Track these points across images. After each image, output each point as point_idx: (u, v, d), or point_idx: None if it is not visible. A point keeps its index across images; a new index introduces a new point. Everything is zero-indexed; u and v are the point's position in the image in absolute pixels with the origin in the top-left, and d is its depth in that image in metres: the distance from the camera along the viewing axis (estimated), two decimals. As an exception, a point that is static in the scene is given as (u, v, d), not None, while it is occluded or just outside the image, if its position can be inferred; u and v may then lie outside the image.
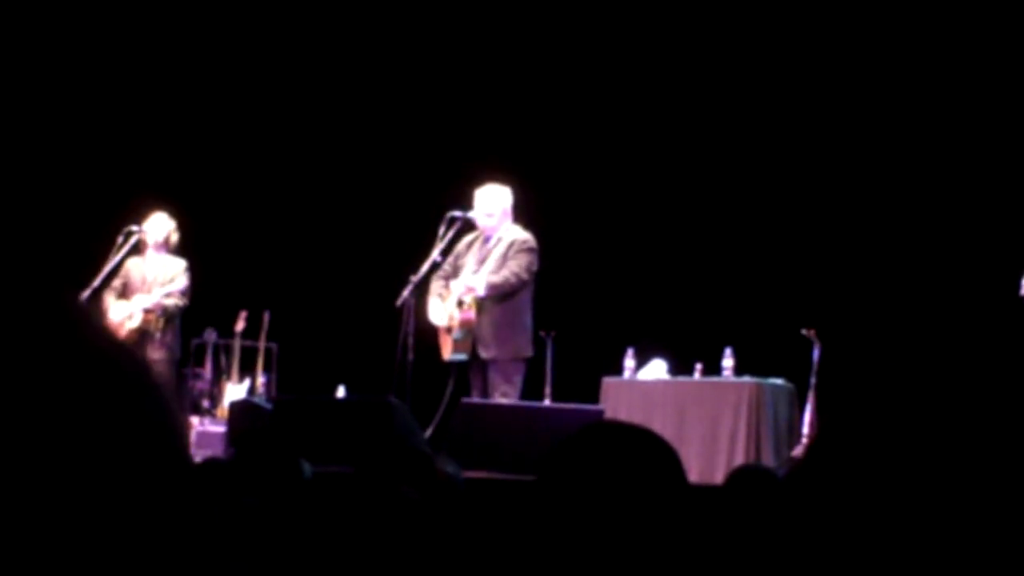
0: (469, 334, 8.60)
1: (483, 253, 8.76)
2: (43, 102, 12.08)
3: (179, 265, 9.75)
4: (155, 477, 0.75)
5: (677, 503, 1.96)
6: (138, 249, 9.80)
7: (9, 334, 0.74)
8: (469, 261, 8.77)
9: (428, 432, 8.35)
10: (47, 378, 0.73)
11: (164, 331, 9.65)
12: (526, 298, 8.76)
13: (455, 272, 8.77)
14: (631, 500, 1.94)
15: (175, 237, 9.84)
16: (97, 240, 9.82)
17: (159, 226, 9.77)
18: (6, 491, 0.70)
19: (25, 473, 0.70)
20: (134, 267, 9.74)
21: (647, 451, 1.99)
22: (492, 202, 8.78)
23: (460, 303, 8.64)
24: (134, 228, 9.75)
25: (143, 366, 0.79)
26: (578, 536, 1.92)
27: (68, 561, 0.71)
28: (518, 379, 8.67)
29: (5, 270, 0.77)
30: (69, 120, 12.22)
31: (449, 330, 8.68)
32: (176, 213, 9.92)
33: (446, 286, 8.75)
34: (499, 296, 8.62)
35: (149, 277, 9.71)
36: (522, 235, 8.77)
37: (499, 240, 8.75)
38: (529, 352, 8.78)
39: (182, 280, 9.66)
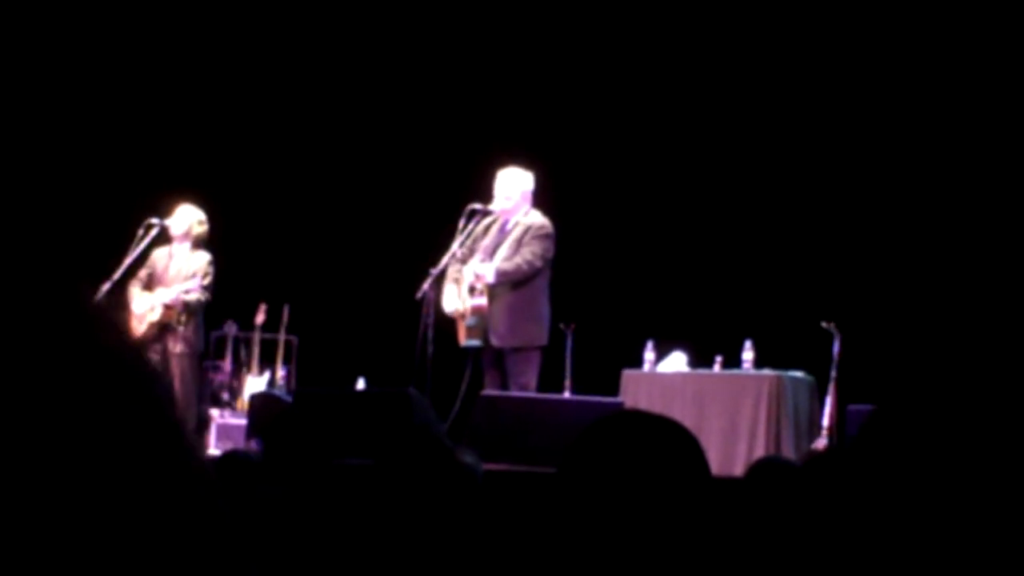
0: (482, 320, 8.57)
1: (499, 238, 8.73)
2: (70, 96, 12.11)
3: (202, 259, 9.76)
4: (161, 471, 0.75)
5: (700, 493, 1.95)
6: (166, 240, 9.82)
7: (20, 327, 0.74)
8: (483, 245, 8.75)
9: (447, 422, 8.35)
10: (54, 373, 0.73)
11: (186, 325, 9.67)
12: (541, 285, 8.70)
13: (472, 255, 8.75)
14: (654, 490, 1.94)
15: (198, 229, 9.83)
16: (124, 232, 9.85)
17: (182, 218, 9.79)
18: (11, 485, 0.70)
19: (29, 467, 0.71)
20: (160, 258, 9.76)
21: (670, 441, 1.99)
22: (510, 184, 8.76)
23: (472, 289, 8.63)
24: (154, 220, 9.77)
25: (147, 365, 0.80)
26: (600, 526, 1.92)
27: (74, 559, 0.71)
28: (533, 368, 8.60)
29: (22, 264, 0.77)
30: (96, 114, 12.25)
31: (463, 316, 8.67)
32: (197, 205, 9.93)
33: (460, 270, 8.73)
34: (512, 283, 8.58)
35: (172, 270, 9.73)
36: (539, 220, 8.72)
37: (516, 224, 8.72)
38: (543, 341, 8.69)
39: (204, 276, 9.66)
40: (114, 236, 9.96)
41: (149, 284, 9.71)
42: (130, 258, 9.66)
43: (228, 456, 4.73)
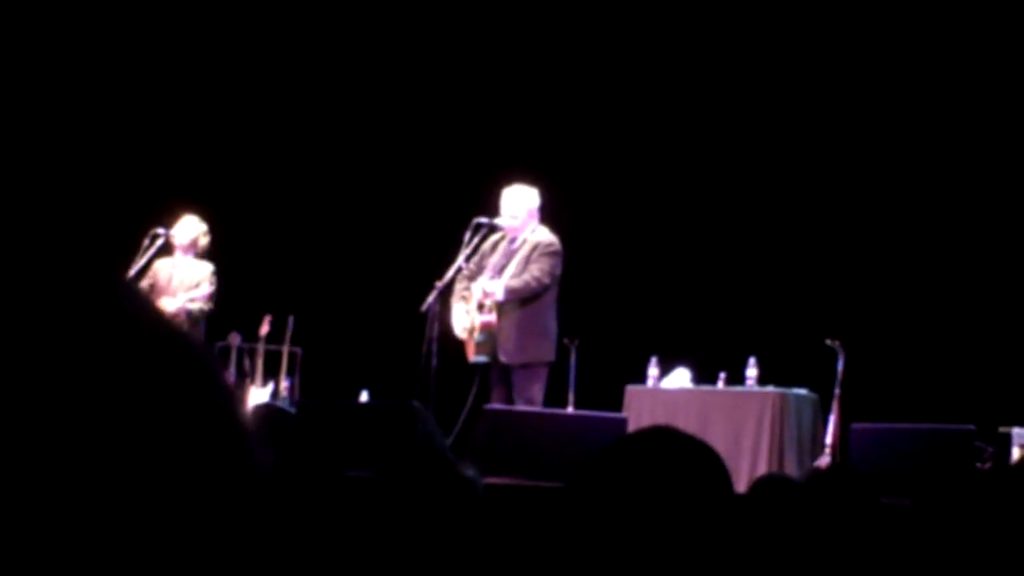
0: (492, 336, 8.60)
1: (507, 255, 8.75)
2: (75, 107, 12.14)
3: (206, 269, 9.78)
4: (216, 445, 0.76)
5: (726, 515, 1.92)
6: (168, 251, 9.83)
7: (65, 308, 0.74)
8: (492, 263, 8.77)
9: (451, 436, 8.36)
10: (103, 352, 0.73)
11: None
12: (549, 302, 8.72)
13: (480, 272, 8.78)
14: (681, 509, 1.90)
15: (204, 240, 9.86)
16: (128, 243, 9.86)
17: (186, 229, 9.81)
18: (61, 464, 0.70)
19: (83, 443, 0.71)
20: (162, 269, 9.78)
21: (699, 462, 1.95)
22: (516, 203, 8.77)
23: (481, 306, 8.65)
24: (160, 231, 9.79)
25: (196, 343, 0.80)
26: (619, 543, 1.90)
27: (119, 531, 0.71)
28: (540, 384, 8.62)
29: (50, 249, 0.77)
30: (101, 124, 12.28)
31: (472, 333, 8.69)
32: (202, 216, 9.95)
33: (468, 287, 8.75)
34: (520, 300, 8.61)
35: (175, 280, 9.74)
36: (547, 238, 8.75)
37: (524, 242, 8.74)
38: (551, 357, 8.72)
39: (206, 286, 9.68)
40: (119, 247, 9.97)
41: (151, 294, 9.73)
42: (136, 268, 9.67)
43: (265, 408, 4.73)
